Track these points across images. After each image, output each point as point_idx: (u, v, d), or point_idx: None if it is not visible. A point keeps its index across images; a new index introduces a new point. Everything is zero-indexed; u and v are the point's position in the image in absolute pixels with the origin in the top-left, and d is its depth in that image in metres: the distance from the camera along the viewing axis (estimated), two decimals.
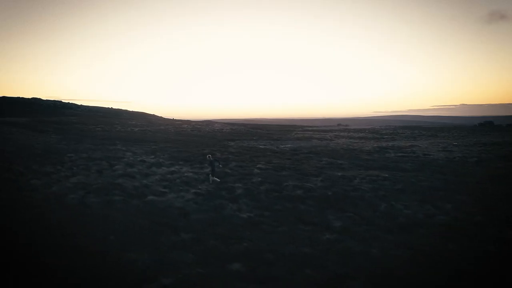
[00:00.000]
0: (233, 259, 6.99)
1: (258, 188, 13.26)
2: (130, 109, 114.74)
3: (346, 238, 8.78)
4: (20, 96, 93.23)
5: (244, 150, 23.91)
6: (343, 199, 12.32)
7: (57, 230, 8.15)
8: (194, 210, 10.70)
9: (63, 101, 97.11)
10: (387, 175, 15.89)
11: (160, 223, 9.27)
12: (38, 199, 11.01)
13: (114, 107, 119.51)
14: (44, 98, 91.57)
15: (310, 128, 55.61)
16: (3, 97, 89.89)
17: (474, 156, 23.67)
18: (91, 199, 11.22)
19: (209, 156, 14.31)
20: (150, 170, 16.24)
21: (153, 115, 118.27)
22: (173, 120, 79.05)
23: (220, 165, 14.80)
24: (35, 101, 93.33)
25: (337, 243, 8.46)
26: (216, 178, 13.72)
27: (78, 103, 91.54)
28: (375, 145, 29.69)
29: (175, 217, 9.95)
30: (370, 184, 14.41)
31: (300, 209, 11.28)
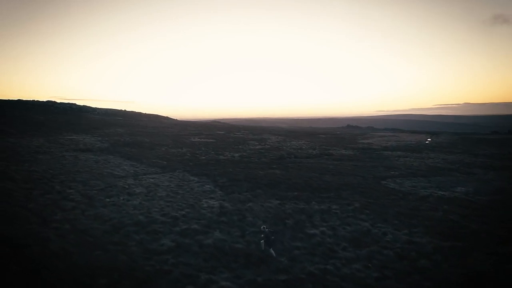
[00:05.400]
0: None
1: None
2: (143, 112, 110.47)
3: None
4: (35, 99, 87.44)
5: (447, 205, 19.14)
6: None
7: None
8: None
9: (77, 103, 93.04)
10: None
11: None
12: None
13: (126, 109, 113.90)
14: (51, 100, 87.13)
15: (394, 145, 51.30)
16: (18, 100, 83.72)
17: None
18: None
19: (263, 227, 13.91)
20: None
21: (167, 118, 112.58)
22: (203, 124, 74.55)
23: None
24: (51, 104, 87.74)
25: None
26: (272, 251, 12.90)
27: (75, 103, 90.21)
28: None
29: None
30: None
31: None
